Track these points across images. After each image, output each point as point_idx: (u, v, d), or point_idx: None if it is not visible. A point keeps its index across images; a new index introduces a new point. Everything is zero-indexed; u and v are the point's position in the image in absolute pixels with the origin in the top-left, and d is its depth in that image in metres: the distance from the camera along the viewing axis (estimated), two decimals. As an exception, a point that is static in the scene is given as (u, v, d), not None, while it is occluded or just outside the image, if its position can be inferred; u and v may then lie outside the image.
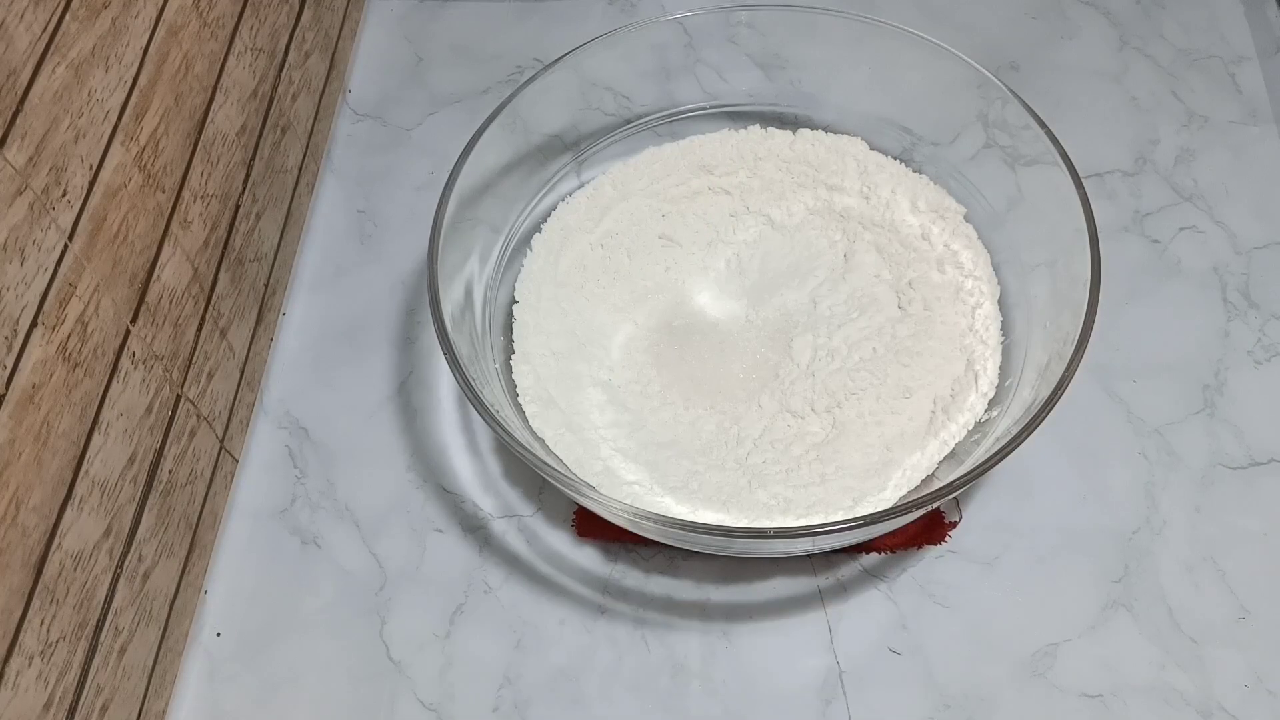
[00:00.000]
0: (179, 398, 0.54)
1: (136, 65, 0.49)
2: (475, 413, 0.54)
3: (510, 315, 0.61)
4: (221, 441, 0.59)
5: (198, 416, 0.56)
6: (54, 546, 0.44)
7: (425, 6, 0.80)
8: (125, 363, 0.49)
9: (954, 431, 0.55)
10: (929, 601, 0.56)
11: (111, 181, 0.47)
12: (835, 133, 0.65)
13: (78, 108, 0.44)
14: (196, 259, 0.55)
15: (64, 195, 0.44)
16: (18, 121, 0.41)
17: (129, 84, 0.48)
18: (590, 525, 0.58)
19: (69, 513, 0.45)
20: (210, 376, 0.57)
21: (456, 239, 0.56)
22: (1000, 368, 0.57)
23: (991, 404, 0.56)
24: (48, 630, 0.43)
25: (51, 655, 0.44)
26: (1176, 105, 0.72)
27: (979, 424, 0.56)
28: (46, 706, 0.44)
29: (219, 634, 0.56)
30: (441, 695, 0.54)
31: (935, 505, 0.50)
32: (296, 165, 0.68)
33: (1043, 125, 0.56)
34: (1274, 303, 0.63)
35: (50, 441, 0.43)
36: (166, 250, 0.52)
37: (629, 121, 0.66)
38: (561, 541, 0.58)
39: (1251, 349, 0.62)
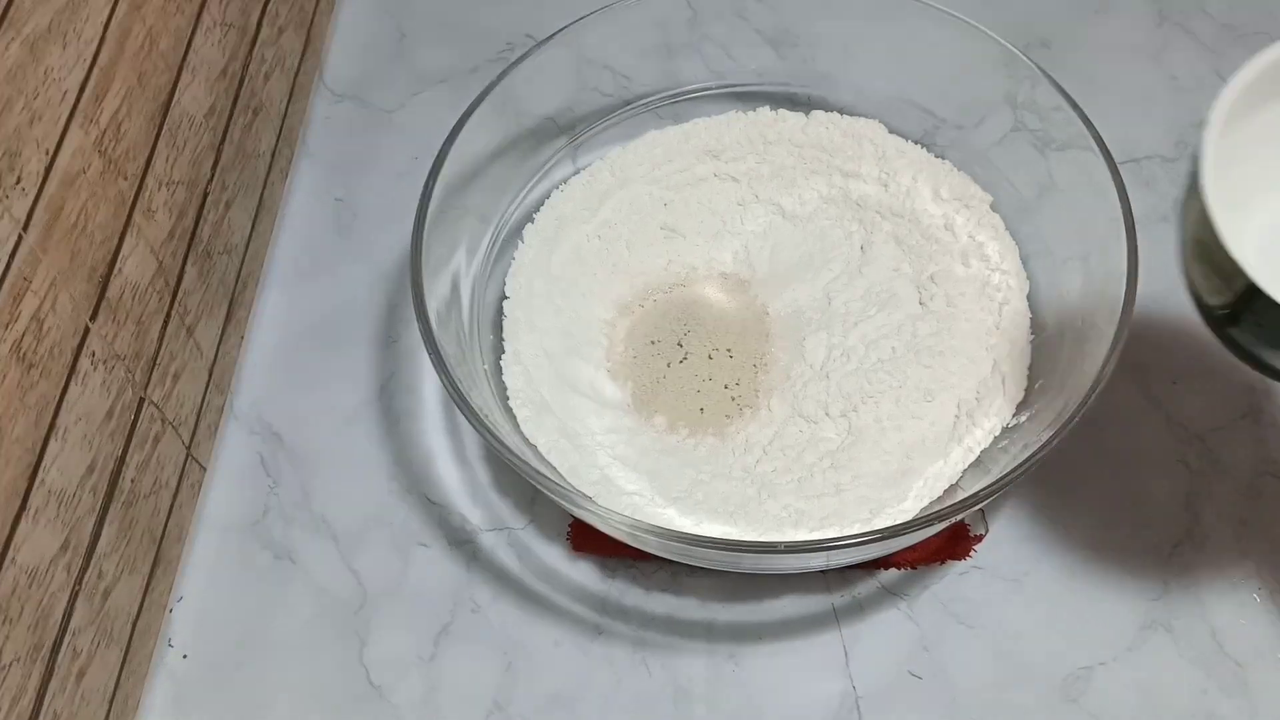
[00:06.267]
0: (142, 401, 0.54)
1: (96, 42, 0.49)
2: (462, 417, 0.54)
3: (500, 312, 0.61)
4: (188, 448, 0.59)
5: (162, 421, 0.56)
6: (7, 561, 0.44)
7: (409, -21, 0.80)
8: (84, 363, 0.49)
9: (979, 438, 0.55)
10: (952, 621, 0.56)
11: (69, 167, 0.47)
12: (851, 115, 0.65)
13: (33, 88, 0.44)
14: (161, 251, 0.55)
15: (18, 182, 0.44)
16: (-33, 102, 0.41)
17: (88, 62, 0.48)
18: (586, 539, 0.58)
19: (23, 525, 0.45)
20: (176, 378, 0.57)
21: (442, 230, 0.56)
22: (1029, 369, 0.57)
23: (1020, 408, 0.56)
24: (0, 653, 0.43)
25: (4, 679, 0.44)
26: (1219, 85, 0.71)
27: (1006, 430, 0.56)
28: (-1, 735, 0.44)
29: (185, 656, 0.56)
30: (426, 722, 0.54)
31: (959, 517, 0.50)
32: (269, 150, 0.68)
33: (1075, 107, 0.56)
34: (1325, 298, 0.63)
35: (3, 448, 0.43)
36: (129, 242, 0.52)
37: (629, 103, 0.66)
38: (555, 556, 0.58)
39: (1301, 348, 0.62)
